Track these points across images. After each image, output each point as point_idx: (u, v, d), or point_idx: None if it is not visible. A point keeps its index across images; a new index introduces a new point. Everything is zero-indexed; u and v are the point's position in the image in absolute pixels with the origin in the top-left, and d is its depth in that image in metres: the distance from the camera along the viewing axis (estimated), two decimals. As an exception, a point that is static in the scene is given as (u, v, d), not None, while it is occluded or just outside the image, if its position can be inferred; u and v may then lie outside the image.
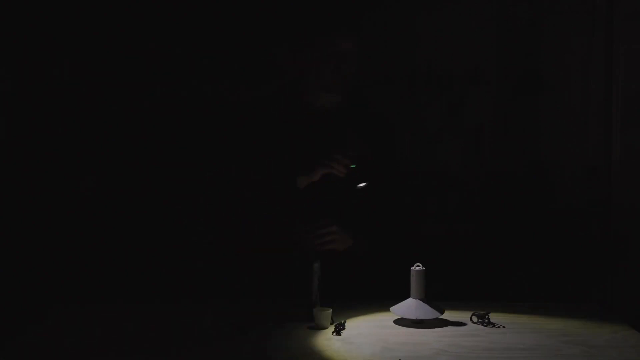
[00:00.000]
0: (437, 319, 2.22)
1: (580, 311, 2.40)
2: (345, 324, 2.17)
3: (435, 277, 2.36)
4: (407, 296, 2.24)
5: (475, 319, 2.23)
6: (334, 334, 2.12)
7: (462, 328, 2.20)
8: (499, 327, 2.20)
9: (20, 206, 3.37)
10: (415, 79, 3.63)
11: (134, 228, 3.49)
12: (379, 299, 2.44)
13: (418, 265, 2.23)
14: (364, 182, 2.53)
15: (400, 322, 2.23)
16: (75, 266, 3.40)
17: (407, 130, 3.57)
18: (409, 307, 2.20)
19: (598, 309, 2.46)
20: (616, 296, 3.51)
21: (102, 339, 2.08)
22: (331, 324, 2.17)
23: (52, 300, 2.87)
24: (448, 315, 2.27)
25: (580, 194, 3.59)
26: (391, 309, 2.24)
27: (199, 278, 3.35)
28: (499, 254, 3.56)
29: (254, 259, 2.68)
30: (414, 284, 2.21)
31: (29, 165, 3.39)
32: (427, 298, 2.22)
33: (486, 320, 2.21)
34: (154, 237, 3.50)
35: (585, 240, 3.55)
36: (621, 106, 3.53)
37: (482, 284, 3.51)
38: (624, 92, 3.52)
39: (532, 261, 3.57)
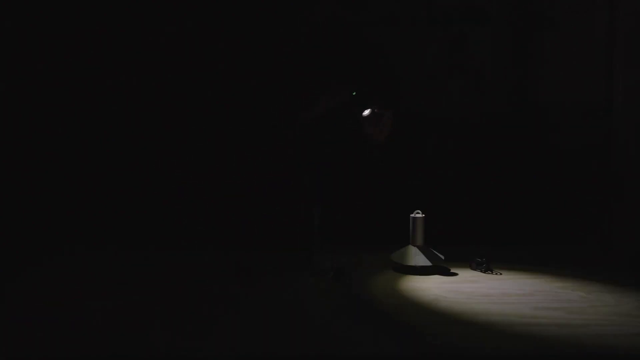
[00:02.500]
0: (436, 265, 2.24)
1: (578, 255, 2.43)
2: (345, 270, 2.18)
3: (435, 221, 2.37)
4: (407, 242, 2.25)
5: (474, 265, 2.26)
6: (334, 279, 2.14)
7: (461, 274, 2.22)
8: (498, 273, 2.22)
9: (30, 150, 3.35)
10: (415, 18, 3.56)
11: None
12: (379, 245, 2.47)
13: (418, 212, 2.23)
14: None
15: (400, 268, 2.25)
16: (88, 211, 3.41)
17: (406, 70, 3.52)
18: (409, 253, 2.21)
19: (596, 252, 2.48)
20: (614, 238, 3.53)
21: (109, 281, 2.11)
22: (331, 269, 2.19)
23: (62, 242, 2.87)
24: (447, 261, 2.28)
25: (580, 135, 3.57)
26: (391, 255, 2.26)
27: (205, 227, 3.37)
28: (497, 196, 3.57)
29: (258, 211, 2.68)
30: (414, 230, 2.22)
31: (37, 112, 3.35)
32: (427, 244, 2.24)
33: (485, 266, 2.24)
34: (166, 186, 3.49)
35: (583, 182, 3.55)
36: (623, 48, 3.48)
37: (480, 227, 3.52)
38: (626, 34, 3.46)
39: (531, 204, 3.57)
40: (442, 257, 2.24)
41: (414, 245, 2.22)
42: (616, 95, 3.47)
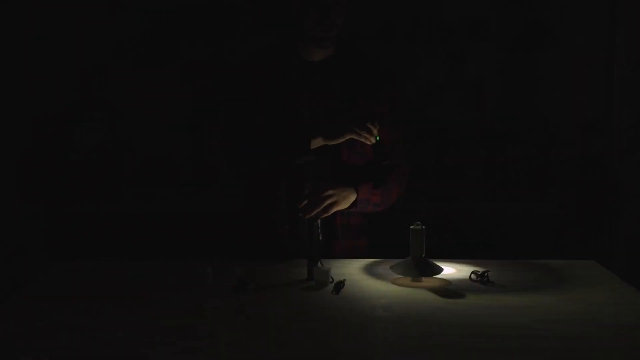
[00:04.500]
0: (436, 277, 2.23)
1: (578, 268, 2.41)
2: (345, 282, 2.17)
3: (434, 235, 2.36)
4: (406, 255, 2.24)
5: (474, 277, 2.24)
6: (334, 292, 2.13)
7: (461, 286, 2.21)
8: (498, 285, 2.21)
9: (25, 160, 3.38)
10: (414, 32, 3.58)
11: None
12: (378, 257, 2.46)
13: (417, 224, 2.22)
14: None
15: (399, 280, 2.24)
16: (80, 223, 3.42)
17: (405, 84, 3.54)
18: (408, 265, 2.20)
19: (595, 265, 2.47)
20: (614, 251, 3.53)
21: (102, 291, 2.10)
22: (331, 282, 2.18)
23: (56, 255, 2.87)
24: (447, 273, 2.27)
25: (579, 148, 3.58)
26: (391, 267, 2.25)
27: (201, 238, 3.36)
28: (497, 211, 3.57)
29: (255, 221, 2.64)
30: (413, 242, 2.21)
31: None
32: (426, 256, 2.23)
33: (485, 279, 2.22)
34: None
35: (584, 195, 3.55)
36: (624, 61, 3.49)
37: (480, 241, 3.52)
38: (627, 47, 3.48)
39: (530, 217, 3.58)
40: (442, 268, 2.23)
41: (414, 257, 2.21)
42: (616, 108, 3.48)
